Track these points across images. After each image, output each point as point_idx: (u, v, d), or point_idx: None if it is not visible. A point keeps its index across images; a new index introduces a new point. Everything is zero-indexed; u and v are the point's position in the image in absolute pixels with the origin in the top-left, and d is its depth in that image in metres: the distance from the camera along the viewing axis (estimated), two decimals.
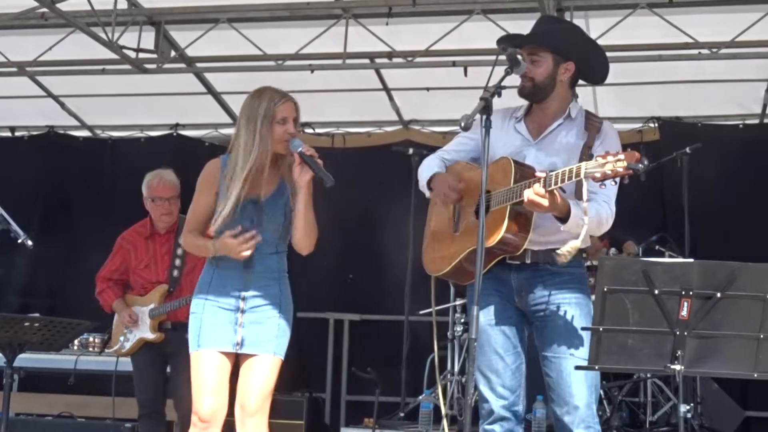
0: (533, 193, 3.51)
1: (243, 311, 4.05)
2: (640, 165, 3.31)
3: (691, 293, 3.32)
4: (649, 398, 6.49)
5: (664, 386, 6.40)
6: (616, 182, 3.45)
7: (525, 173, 3.71)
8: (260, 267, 4.09)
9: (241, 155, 4.03)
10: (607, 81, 7.30)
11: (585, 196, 3.51)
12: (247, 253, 3.97)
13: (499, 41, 4.10)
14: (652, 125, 7.91)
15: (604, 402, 6.37)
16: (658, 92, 7.54)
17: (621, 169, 3.32)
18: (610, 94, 7.60)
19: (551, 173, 3.54)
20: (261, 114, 4.03)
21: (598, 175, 3.38)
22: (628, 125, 7.90)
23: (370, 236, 7.79)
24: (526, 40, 3.98)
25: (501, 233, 3.74)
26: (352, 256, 8.10)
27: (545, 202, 3.52)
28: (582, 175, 3.42)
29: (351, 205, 7.83)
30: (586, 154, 3.69)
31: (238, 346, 4.01)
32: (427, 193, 4.14)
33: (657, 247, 6.70)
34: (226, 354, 4.04)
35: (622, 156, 3.33)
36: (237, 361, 4.08)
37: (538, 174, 3.58)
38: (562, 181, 3.49)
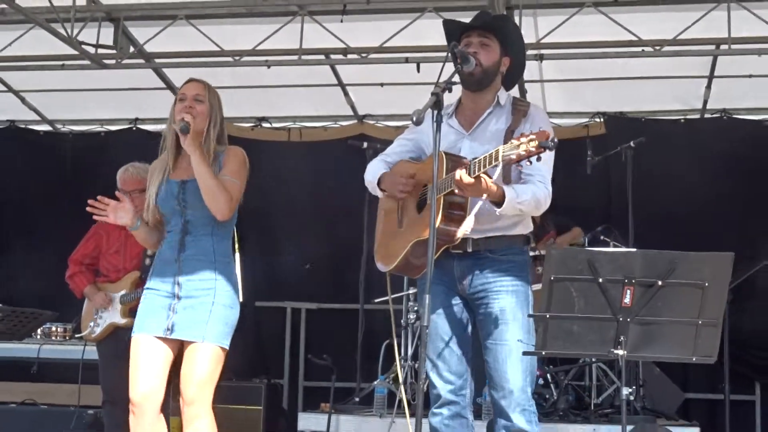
0: (459, 179, 3.55)
1: (178, 297, 4.02)
2: (551, 143, 3.34)
3: (633, 281, 3.37)
4: (594, 382, 6.55)
5: (608, 370, 6.45)
6: (540, 159, 3.48)
7: (456, 164, 3.73)
8: (192, 249, 4.04)
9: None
10: (555, 77, 7.49)
11: (495, 175, 3.54)
12: (121, 218, 4.08)
13: (448, 23, 4.14)
14: (597, 120, 7.97)
15: (551, 385, 6.42)
16: (604, 88, 7.60)
17: (534, 149, 3.34)
18: (557, 90, 7.68)
19: (474, 160, 3.58)
20: (173, 102, 4.15)
21: (513, 156, 3.39)
22: (574, 120, 7.97)
23: (326, 227, 7.79)
24: (482, 26, 4.00)
25: (437, 222, 3.76)
26: (309, 246, 8.09)
27: (472, 186, 3.54)
28: (500, 159, 3.43)
29: (307, 197, 7.85)
30: (509, 138, 3.70)
31: (168, 331, 3.97)
32: (380, 194, 4.15)
33: (602, 237, 6.75)
34: (164, 340, 4.02)
35: (533, 136, 3.36)
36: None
37: (465, 161, 3.63)
38: (484, 166, 3.51)
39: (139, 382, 4.01)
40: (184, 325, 3.97)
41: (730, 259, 3.40)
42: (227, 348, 4.07)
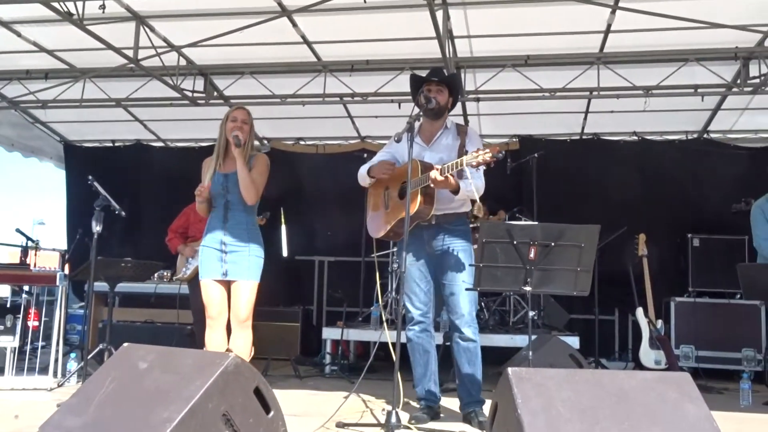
0: (434, 177, 3.60)
1: (225, 252, 4.03)
2: (500, 154, 3.44)
3: (536, 243, 3.39)
4: (512, 307, 6.58)
5: (521, 300, 6.46)
6: (484, 167, 3.56)
7: (427, 167, 3.80)
8: (232, 221, 4.05)
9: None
10: (487, 112, 7.45)
11: (469, 176, 3.64)
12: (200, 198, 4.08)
13: (415, 78, 4.16)
14: (514, 140, 7.90)
15: (485, 310, 6.44)
16: (519, 119, 7.54)
17: (489, 158, 3.43)
18: (489, 119, 7.65)
19: (445, 165, 3.66)
20: (223, 120, 4.19)
21: (474, 163, 3.47)
22: (499, 139, 7.91)
23: (340, 208, 7.76)
24: (439, 78, 4.09)
25: (417, 206, 3.81)
26: (330, 220, 8.07)
27: (443, 182, 3.60)
28: (464, 165, 3.51)
29: (329, 188, 7.85)
30: (462, 151, 3.80)
31: (224, 275, 4.00)
32: (368, 181, 4.15)
33: (517, 215, 6.77)
34: (220, 281, 4.03)
35: (488, 150, 3.44)
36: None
37: (436, 167, 3.68)
38: (453, 169, 3.61)
39: (212, 306, 4.03)
40: (233, 270, 3.99)
41: (597, 229, 3.43)
42: (259, 281, 4.08)
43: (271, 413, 2.51)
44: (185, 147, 8.67)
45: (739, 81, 6.05)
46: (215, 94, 6.93)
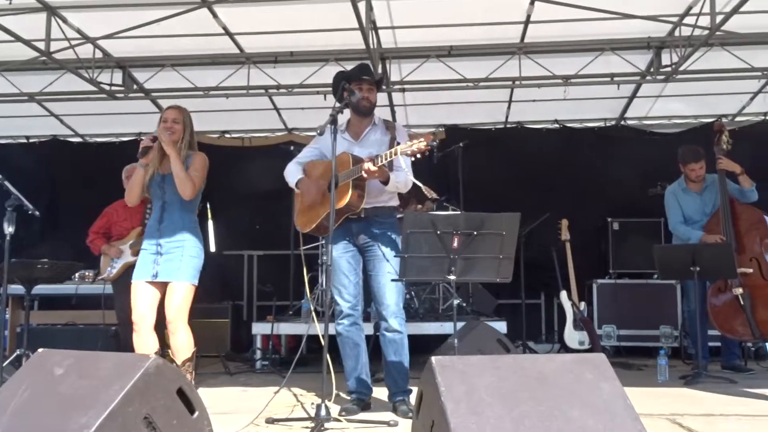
0: (368, 168, 3.61)
1: (160, 253, 3.97)
2: (434, 142, 3.48)
3: (459, 232, 3.43)
4: (441, 295, 6.66)
5: (450, 287, 6.52)
6: (413, 159, 3.58)
7: (357, 161, 3.80)
8: (168, 221, 3.99)
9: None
10: (412, 102, 7.50)
11: (404, 165, 3.72)
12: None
13: (344, 76, 4.12)
14: (441, 129, 7.99)
15: (415, 299, 6.50)
16: (444, 109, 7.61)
17: (423, 146, 3.47)
18: (415, 110, 7.70)
19: (378, 155, 3.67)
20: (159, 121, 4.12)
21: (409, 152, 3.50)
22: (426, 129, 7.94)
23: (269, 202, 7.67)
24: (372, 79, 4.09)
25: (348, 198, 3.81)
26: (258, 213, 7.99)
27: (376, 173, 3.60)
28: (399, 154, 3.54)
29: (256, 181, 7.72)
30: (394, 143, 3.82)
31: (154, 276, 3.94)
32: (296, 190, 4.13)
33: (445, 204, 6.84)
34: (152, 283, 3.96)
35: (422, 138, 3.47)
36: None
37: (368, 157, 3.69)
38: (387, 158, 3.62)
39: (135, 311, 3.96)
40: (165, 271, 3.93)
41: (517, 217, 3.50)
42: (196, 284, 4.04)
43: (196, 414, 2.47)
44: (105, 142, 8.40)
45: (652, 69, 6.29)
46: (135, 87, 6.73)
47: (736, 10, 4.90)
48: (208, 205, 7.07)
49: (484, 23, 5.84)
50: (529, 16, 5.67)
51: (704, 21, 5.12)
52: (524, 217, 6.50)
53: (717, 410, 3.99)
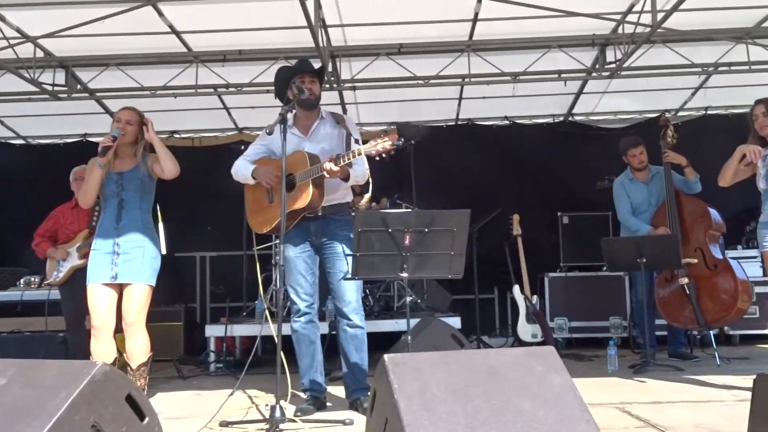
0: (330, 168, 3.60)
1: (118, 254, 3.91)
2: (399, 142, 3.48)
3: (410, 230, 3.45)
4: (396, 292, 6.68)
5: (404, 285, 6.53)
6: (378, 158, 3.59)
7: (314, 159, 3.79)
8: (126, 220, 3.95)
9: None
10: (364, 100, 7.50)
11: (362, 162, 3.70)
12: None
13: (284, 72, 4.09)
14: (392, 126, 7.99)
15: (369, 296, 6.50)
16: (396, 106, 7.63)
17: (389, 146, 3.46)
18: (366, 107, 7.70)
19: (340, 154, 3.66)
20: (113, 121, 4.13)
21: (374, 152, 3.50)
22: (378, 126, 8.00)
23: (221, 202, 7.52)
24: (313, 72, 4.09)
25: (309, 198, 3.80)
26: (209, 214, 7.84)
27: (339, 172, 3.61)
28: (363, 154, 3.54)
29: (207, 182, 7.57)
30: (349, 140, 3.82)
31: (113, 278, 3.87)
32: (252, 182, 4.09)
33: (398, 202, 6.87)
34: (110, 285, 3.89)
35: (387, 138, 3.47)
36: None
37: (329, 156, 3.68)
38: (350, 158, 3.63)
39: (96, 315, 3.89)
40: (124, 272, 3.88)
41: (467, 214, 3.52)
42: (154, 285, 4.01)
43: (146, 420, 2.42)
44: (49, 144, 8.19)
45: (597, 66, 6.42)
46: (79, 87, 6.56)
47: (675, 8, 5.03)
48: (158, 207, 6.94)
49: (433, 21, 5.86)
50: (477, 14, 5.73)
51: (646, 19, 5.25)
52: (476, 213, 6.69)
53: (664, 397, 4.10)
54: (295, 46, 6.02)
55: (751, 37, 6.14)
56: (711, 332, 5.88)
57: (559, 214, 7.48)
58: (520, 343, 6.44)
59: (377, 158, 3.60)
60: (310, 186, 3.78)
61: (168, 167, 4.06)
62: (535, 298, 6.70)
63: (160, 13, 5.50)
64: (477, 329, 6.71)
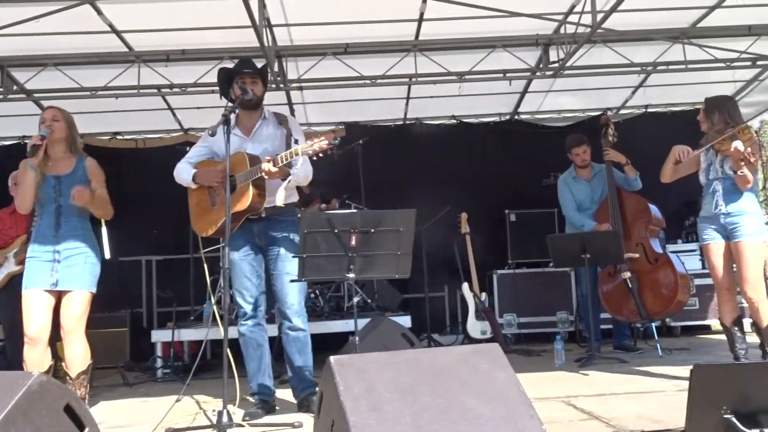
0: (268, 169, 3.57)
1: (58, 260, 3.81)
2: (336, 140, 3.47)
3: (356, 230, 3.44)
4: (346, 293, 6.67)
5: (354, 285, 6.50)
6: (314, 158, 3.59)
7: (254, 160, 3.75)
8: (66, 227, 3.86)
9: None
10: (312, 100, 7.46)
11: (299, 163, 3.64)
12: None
13: (224, 71, 4.05)
14: (341, 126, 7.99)
15: (319, 297, 6.48)
16: (344, 106, 7.59)
17: (325, 146, 3.45)
18: (314, 107, 7.66)
19: (278, 155, 3.63)
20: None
21: (310, 151, 3.47)
22: (326, 127, 7.95)
23: (167, 204, 7.37)
24: (254, 70, 4.03)
25: (250, 199, 3.76)
26: (155, 217, 7.67)
27: (278, 173, 3.55)
28: (300, 153, 3.51)
29: (150, 184, 7.42)
30: (290, 140, 3.79)
31: (53, 285, 3.78)
32: (193, 186, 4.03)
33: (347, 202, 6.86)
34: (49, 291, 3.79)
35: (324, 137, 3.46)
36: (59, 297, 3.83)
37: (267, 158, 3.65)
38: (287, 158, 3.59)
39: (32, 323, 3.76)
40: (65, 279, 3.79)
41: (413, 213, 3.54)
42: (95, 292, 3.92)
43: (86, 430, 2.36)
44: None
45: (541, 65, 6.52)
46: (15, 88, 6.35)
47: (614, 9, 5.14)
48: None
49: (379, 21, 5.86)
50: (422, 14, 5.75)
51: (587, 19, 5.35)
52: (425, 212, 6.75)
53: (608, 390, 4.20)
54: (240, 45, 5.95)
55: (686, 37, 6.33)
56: (653, 324, 6.05)
57: (506, 211, 7.58)
58: (470, 340, 6.50)
59: (314, 158, 3.60)
60: (251, 187, 3.74)
61: (100, 215, 4.00)
62: (484, 296, 6.78)
63: (99, 12, 5.36)
64: (427, 327, 6.76)
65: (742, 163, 4.09)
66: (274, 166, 3.61)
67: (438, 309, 7.60)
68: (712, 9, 5.92)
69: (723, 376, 2.77)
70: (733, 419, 2.68)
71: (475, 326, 6.58)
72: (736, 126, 4.25)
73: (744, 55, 6.52)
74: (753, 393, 2.72)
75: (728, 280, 4.35)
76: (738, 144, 4.07)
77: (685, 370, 2.72)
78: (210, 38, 5.91)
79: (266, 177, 3.68)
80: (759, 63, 6.71)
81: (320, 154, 3.56)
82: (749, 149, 4.05)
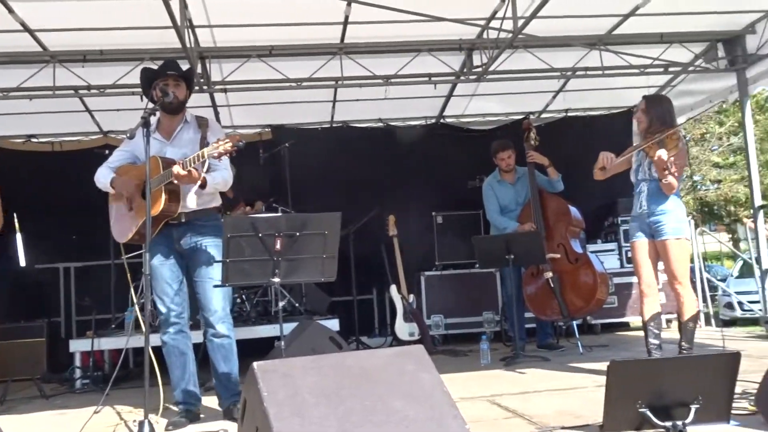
0: (176, 173, 3.50)
1: None
2: (240, 143, 3.43)
3: (281, 234, 3.41)
4: (273, 297, 6.57)
5: (282, 289, 6.40)
6: (229, 157, 3.55)
7: (168, 163, 3.68)
8: None
9: None
10: (237, 103, 7.35)
11: (205, 169, 3.55)
12: None
13: (148, 71, 3.94)
14: (267, 129, 7.91)
15: (246, 302, 6.38)
16: (270, 109, 7.49)
17: (229, 147, 3.41)
18: (239, 110, 7.55)
19: (186, 159, 3.56)
20: None
21: (216, 154, 3.42)
22: (252, 129, 7.87)
23: (86, 209, 7.10)
24: (177, 72, 3.93)
25: (162, 204, 3.67)
26: (73, 223, 7.38)
27: (186, 177, 3.52)
28: (206, 157, 3.46)
29: (69, 188, 7.15)
30: (204, 144, 3.73)
31: None
32: (111, 191, 3.92)
33: (274, 205, 6.78)
34: None
35: (228, 140, 3.42)
36: None
37: (177, 161, 3.58)
38: (194, 162, 3.53)
39: None
40: None
41: (338, 216, 3.53)
42: None
43: None
44: None
45: (465, 70, 6.63)
46: None
47: (534, 15, 5.28)
48: (15, 216, 6.49)
49: (304, 23, 5.83)
50: (347, 17, 5.75)
51: (509, 25, 5.47)
52: (353, 215, 6.75)
53: (532, 387, 4.30)
54: (162, 46, 5.81)
55: (603, 44, 6.56)
56: (575, 323, 6.22)
57: (433, 214, 7.65)
58: (399, 342, 6.54)
59: (219, 159, 3.55)
60: (162, 193, 3.66)
61: None
62: (411, 297, 6.83)
63: (10, 10, 5.13)
64: (356, 330, 6.75)
65: (666, 172, 4.22)
66: (183, 169, 3.55)
67: (367, 311, 7.60)
68: (626, 17, 6.15)
69: (638, 371, 2.87)
70: (648, 413, 2.80)
71: (403, 328, 6.62)
72: (669, 129, 4.36)
73: (657, 62, 6.81)
74: (666, 387, 2.84)
75: (649, 278, 4.49)
76: (662, 153, 4.18)
77: (604, 367, 2.81)
78: (130, 38, 5.74)
79: (176, 181, 3.60)
80: (671, 69, 7.02)
81: (226, 157, 3.54)
82: (672, 158, 4.18)
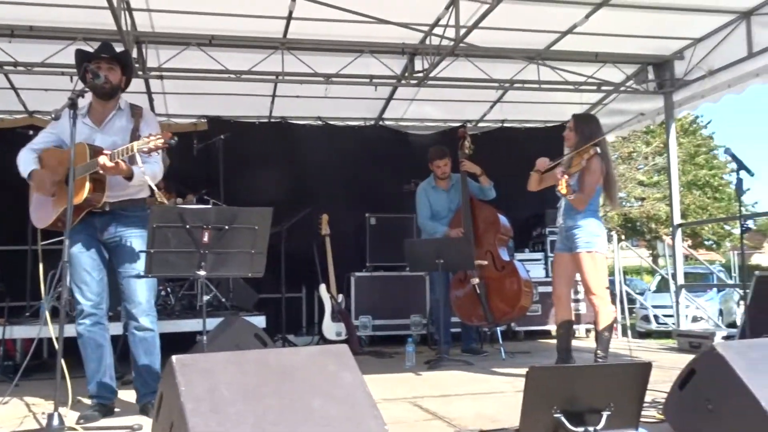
0: (103, 164, 3.39)
1: None
2: (172, 141, 3.36)
3: (210, 226, 3.34)
4: (199, 290, 6.43)
5: (209, 283, 6.24)
6: (160, 151, 3.47)
7: (96, 152, 3.56)
8: None
9: None
10: (173, 91, 7.17)
11: (140, 162, 3.44)
12: None
13: (81, 53, 3.82)
14: (203, 120, 7.75)
15: (171, 296, 6.23)
16: (207, 99, 7.35)
17: (161, 143, 3.33)
18: (175, 98, 7.37)
19: (115, 150, 3.45)
20: None
21: (146, 149, 3.33)
22: (187, 119, 7.71)
23: (3, 192, 6.71)
24: (110, 55, 3.80)
25: (85, 193, 3.55)
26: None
27: (113, 169, 3.42)
28: (135, 151, 3.37)
29: None
30: (135, 135, 3.63)
31: None
32: (30, 183, 3.78)
33: (205, 198, 6.65)
34: None
35: (160, 135, 3.34)
36: None
37: (105, 151, 3.46)
38: (122, 155, 3.42)
39: None
40: None
41: (269, 212, 3.50)
42: None
43: None
44: None
45: (406, 74, 6.67)
46: None
47: (476, 25, 5.36)
48: None
49: (246, 15, 5.74)
50: (291, 13, 5.70)
51: (451, 33, 5.53)
52: (286, 212, 6.68)
53: (453, 391, 4.35)
54: (96, 27, 5.62)
55: (541, 58, 6.72)
56: (499, 329, 6.33)
57: (367, 215, 7.66)
58: (325, 341, 6.51)
59: (150, 155, 3.46)
60: (87, 181, 3.54)
61: None
62: (340, 297, 6.82)
63: None
64: (283, 328, 6.69)
65: (563, 190, 4.41)
66: (110, 161, 3.44)
67: (295, 309, 7.55)
68: (564, 34, 6.32)
69: (554, 377, 2.94)
70: (562, 418, 2.86)
71: (330, 327, 6.60)
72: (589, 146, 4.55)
73: (590, 80, 7.02)
74: (580, 394, 2.92)
75: (561, 289, 4.77)
76: (557, 171, 4.45)
77: (524, 372, 2.87)
78: (62, 16, 5.54)
79: (101, 171, 3.49)
80: (603, 88, 7.26)
81: (157, 152, 3.46)
82: (566, 177, 4.37)
